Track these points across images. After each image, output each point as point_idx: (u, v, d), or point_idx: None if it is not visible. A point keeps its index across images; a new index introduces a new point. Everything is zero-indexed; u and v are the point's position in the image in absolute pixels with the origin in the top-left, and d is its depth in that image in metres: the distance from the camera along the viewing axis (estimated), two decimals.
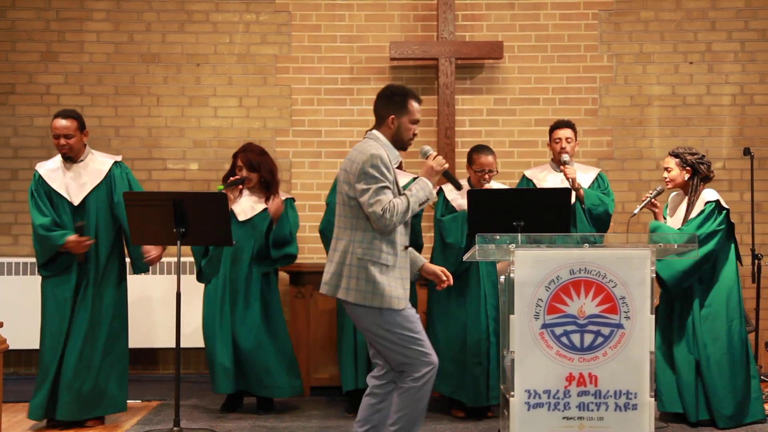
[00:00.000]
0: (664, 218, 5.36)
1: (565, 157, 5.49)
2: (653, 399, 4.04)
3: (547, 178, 5.69)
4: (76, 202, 5.21)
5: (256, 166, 5.55)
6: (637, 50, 7.02)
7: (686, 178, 5.23)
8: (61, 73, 6.96)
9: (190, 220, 4.87)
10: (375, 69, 6.96)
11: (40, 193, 5.21)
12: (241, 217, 5.52)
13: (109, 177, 5.28)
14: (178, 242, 4.87)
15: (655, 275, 4.08)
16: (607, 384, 4.02)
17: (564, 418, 4.02)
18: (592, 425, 4.02)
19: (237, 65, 6.99)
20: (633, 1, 7.03)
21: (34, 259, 6.62)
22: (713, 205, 5.13)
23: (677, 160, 5.24)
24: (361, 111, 6.90)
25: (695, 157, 5.21)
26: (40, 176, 5.25)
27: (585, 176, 5.69)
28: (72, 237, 5.08)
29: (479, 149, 5.45)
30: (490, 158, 5.39)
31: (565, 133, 5.60)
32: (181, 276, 4.91)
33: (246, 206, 5.56)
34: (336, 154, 6.86)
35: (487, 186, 5.43)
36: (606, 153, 6.92)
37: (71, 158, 5.24)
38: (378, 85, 6.94)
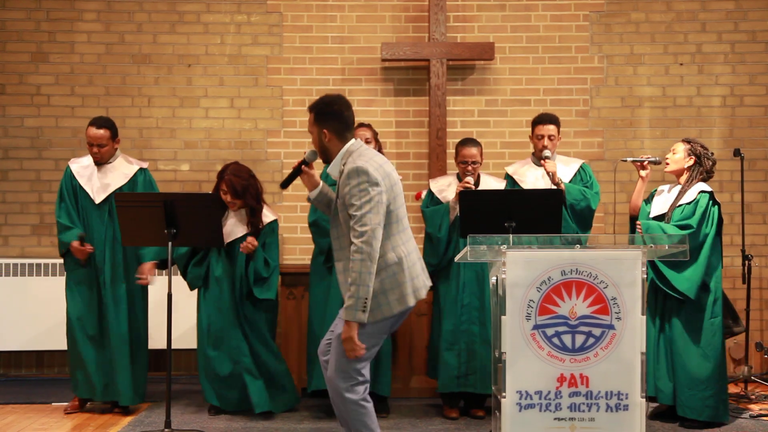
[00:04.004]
0: (645, 202, 5.39)
1: (546, 152, 5.49)
2: (644, 400, 4.05)
3: (527, 173, 5.66)
4: (97, 200, 5.47)
5: (240, 193, 5.38)
6: (627, 51, 7.04)
7: (687, 165, 5.28)
8: (52, 74, 6.94)
9: (181, 221, 4.87)
10: (366, 70, 6.96)
11: (69, 188, 5.53)
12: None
13: (132, 181, 5.53)
14: (170, 243, 4.86)
15: (645, 276, 4.09)
16: (598, 385, 4.03)
17: (555, 419, 4.03)
18: (584, 426, 4.03)
19: (228, 66, 6.98)
20: (623, 3, 7.05)
21: (24, 260, 6.67)
22: (708, 197, 5.18)
23: (688, 146, 5.32)
24: None
25: (705, 150, 5.31)
26: (71, 172, 5.55)
27: (567, 169, 5.65)
28: (75, 243, 5.37)
29: (463, 141, 5.55)
30: (472, 150, 5.45)
31: (548, 129, 5.56)
32: (173, 277, 4.90)
33: (227, 230, 5.43)
34: None
35: (479, 185, 5.51)
36: (597, 154, 6.94)
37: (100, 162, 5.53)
38: (369, 86, 6.98)
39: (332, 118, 3.93)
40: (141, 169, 5.58)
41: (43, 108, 6.92)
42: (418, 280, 3.90)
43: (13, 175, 6.88)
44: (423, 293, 3.92)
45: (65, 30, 6.94)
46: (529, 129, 6.70)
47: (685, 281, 5.08)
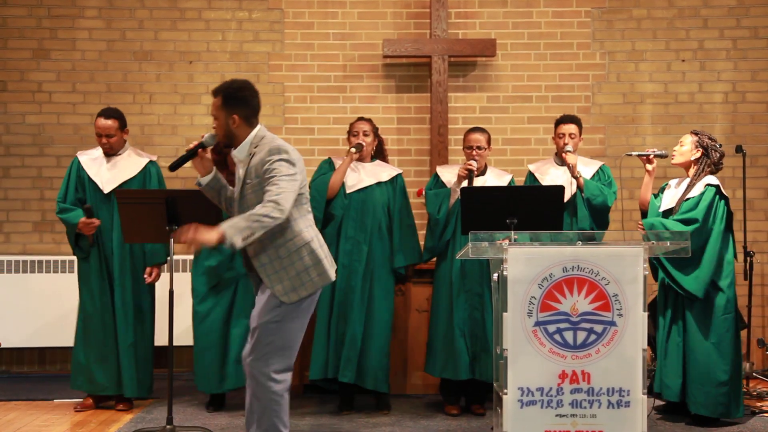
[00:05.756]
0: (655, 196, 5.36)
1: (568, 147, 5.54)
2: (646, 396, 4.05)
3: (550, 171, 5.70)
4: (106, 190, 5.46)
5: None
6: (629, 48, 7.03)
7: (694, 158, 5.23)
8: (53, 71, 6.94)
9: (183, 218, 4.86)
10: (368, 67, 6.96)
11: (73, 177, 5.50)
12: None
13: (144, 172, 5.55)
14: (171, 240, 4.86)
15: (647, 272, 4.09)
16: (600, 381, 4.03)
17: (557, 415, 4.03)
18: (585, 423, 4.03)
19: (230, 63, 6.98)
20: None
21: (25, 257, 6.67)
22: (714, 191, 5.10)
23: (695, 138, 5.26)
24: (353, 109, 6.89)
25: (712, 142, 5.24)
26: (79, 162, 5.50)
27: (587, 169, 5.68)
28: (81, 220, 5.34)
29: (470, 129, 5.63)
30: (477, 135, 5.52)
31: (569, 128, 5.62)
32: (174, 274, 4.90)
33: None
34: (329, 152, 6.84)
35: (485, 175, 5.57)
36: (599, 151, 6.94)
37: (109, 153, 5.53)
38: (371, 83, 6.97)
39: (242, 103, 3.96)
40: (152, 161, 5.61)
41: (44, 105, 6.92)
42: (329, 260, 4.00)
43: (15, 172, 6.88)
44: (333, 274, 4.00)
45: (66, 27, 6.94)
46: (531, 126, 6.70)
47: (692, 281, 5.02)
